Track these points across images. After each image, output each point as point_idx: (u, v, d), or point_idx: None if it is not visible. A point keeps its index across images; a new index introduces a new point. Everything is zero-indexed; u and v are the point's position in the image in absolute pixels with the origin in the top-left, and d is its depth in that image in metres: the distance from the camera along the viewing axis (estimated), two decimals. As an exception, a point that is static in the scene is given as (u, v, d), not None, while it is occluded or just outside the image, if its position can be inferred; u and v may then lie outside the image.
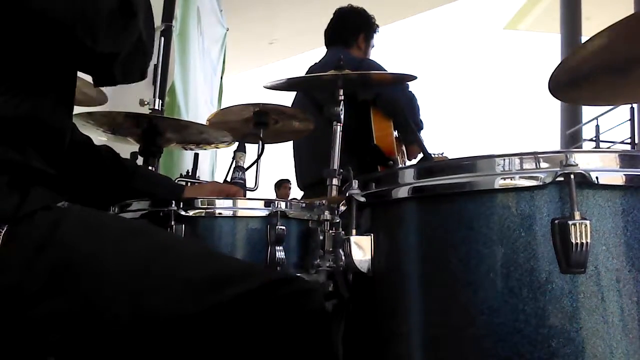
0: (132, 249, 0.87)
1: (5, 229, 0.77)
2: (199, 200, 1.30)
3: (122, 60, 0.91)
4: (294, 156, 2.66)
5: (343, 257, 0.86)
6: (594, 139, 7.92)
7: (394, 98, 2.38)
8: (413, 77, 1.80)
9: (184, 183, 1.81)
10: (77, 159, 1.23)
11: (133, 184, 1.35)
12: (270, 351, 0.88)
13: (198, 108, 3.87)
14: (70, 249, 0.81)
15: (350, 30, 2.66)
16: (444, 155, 2.59)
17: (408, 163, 2.64)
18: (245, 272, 0.92)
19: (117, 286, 0.82)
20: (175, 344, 0.85)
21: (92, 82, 0.98)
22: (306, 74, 2.57)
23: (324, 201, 1.43)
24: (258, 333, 0.87)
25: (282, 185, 6.65)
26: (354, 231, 0.86)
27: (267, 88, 1.73)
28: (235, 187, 1.53)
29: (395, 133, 2.47)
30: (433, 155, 2.36)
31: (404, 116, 2.37)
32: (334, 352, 0.94)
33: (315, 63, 2.61)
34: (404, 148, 2.54)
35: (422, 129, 2.50)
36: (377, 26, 2.72)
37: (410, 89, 2.49)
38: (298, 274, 1.27)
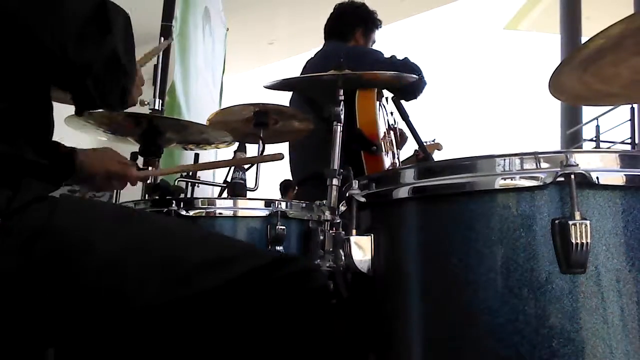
0: (128, 234, 0.86)
1: None
2: (199, 200, 1.31)
3: (95, 75, 0.88)
4: (289, 153, 2.64)
5: (343, 257, 0.86)
6: (594, 139, 7.91)
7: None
8: (413, 77, 1.81)
9: (184, 184, 1.81)
10: None
11: None
12: (271, 329, 0.87)
13: (203, 108, 3.86)
14: (65, 237, 0.81)
15: (347, 25, 2.61)
16: (435, 142, 2.56)
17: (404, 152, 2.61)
18: (245, 253, 0.92)
19: (114, 271, 0.82)
20: (175, 326, 0.85)
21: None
22: (303, 68, 2.56)
23: (323, 202, 1.43)
24: (259, 312, 0.87)
25: (288, 189, 6.61)
26: (354, 231, 0.86)
27: (267, 88, 1.73)
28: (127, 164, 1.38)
29: (387, 120, 2.43)
30: (425, 144, 2.32)
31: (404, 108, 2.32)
32: (333, 330, 0.94)
33: (311, 58, 2.59)
34: (392, 137, 2.49)
35: (425, 84, 2.40)
36: (379, 21, 2.69)
37: (398, 58, 2.43)
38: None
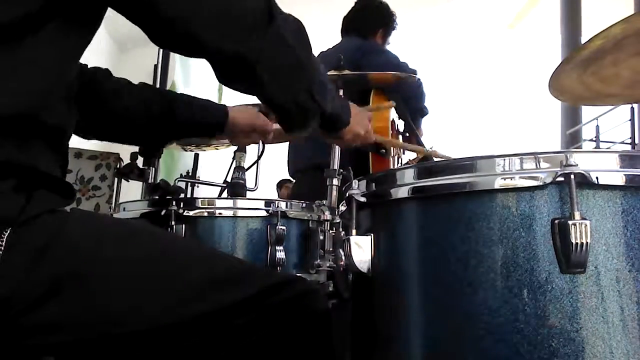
0: (133, 252, 0.86)
1: (8, 232, 0.76)
2: (199, 200, 1.31)
3: (266, 60, 0.90)
4: (288, 145, 2.61)
5: (343, 257, 0.86)
6: (594, 139, 7.90)
7: (399, 88, 2.33)
8: (413, 75, 1.81)
9: (183, 184, 1.81)
10: (122, 104, 1.24)
11: (175, 113, 1.32)
12: (272, 353, 0.87)
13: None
14: (73, 252, 0.81)
15: (370, 23, 2.59)
16: (432, 149, 2.59)
17: (408, 154, 2.64)
18: (246, 274, 0.92)
19: (119, 289, 0.82)
20: (176, 347, 0.85)
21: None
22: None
23: (323, 201, 1.43)
24: (260, 335, 0.87)
25: (283, 186, 6.62)
26: (354, 231, 0.86)
27: None
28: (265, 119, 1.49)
29: (396, 124, 2.45)
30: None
31: (412, 106, 2.34)
32: (335, 353, 0.94)
33: (328, 49, 2.56)
34: (400, 140, 2.52)
35: (426, 114, 2.47)
36: (397, 24, 2.67)
37: (417, 76, 2.45)
38: (298, 275, 1.27)
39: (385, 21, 2.62)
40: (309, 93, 0.99)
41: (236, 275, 0.90)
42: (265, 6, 0.90)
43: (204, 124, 1.35)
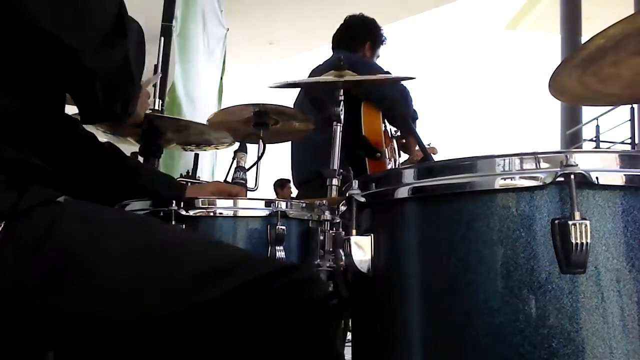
0: (130, 244, 0.86)
1: (2, 225, 0.77)
2: (200, 200, 1.31)
3: (105, 80, 0.89)
4: (292, 153, 2.69)
5: (343, 257, 0.86)
6: (594, 139, 7.92)
7: (385, 94, 2.42)
8: (411, 78, 1.82)
9: (184, 183, 1.81)
10: (82, 156, 1.23)
11: (136, 182, 1.35)
12: (268, 341, 0.88)
13: (205, 108, 3.87)
14: (68, 244, 0.81)
15: (357, 38, 2.72)
16: (431, 145, 2.63)
17: (404, 156, 2.68)
18: (245, 262, 0.92)
19: (116, 281, 0.82)
20: (174, 338, 0.85)
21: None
22: (309, 75, 2.60)
23: (324, 201, 1.43)
24: (256, 324, 0.87)
25: (284, 186, 6.63)
26: (354, 231, 0.86)
27: (273, 87, 1.74)
28: (238, 187, 1.53)
29: (389, 128, 2.50)
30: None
31: (400, 111, 2.41)
32: (331, 340, 0.94)
33: (319, 65, 2.64)
34: (395, 144, 2.57)
35: (417, 119, 2.54)
36: (385, 38, 2.78)
37: (401, 82, 2.52)
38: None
39: (372, 34, 2.76)
40: (125, 103, 0.99)
41: (234, 264, 0.90)
42: (119, 18, 0.90)
43: (162, 197, 1.35)
